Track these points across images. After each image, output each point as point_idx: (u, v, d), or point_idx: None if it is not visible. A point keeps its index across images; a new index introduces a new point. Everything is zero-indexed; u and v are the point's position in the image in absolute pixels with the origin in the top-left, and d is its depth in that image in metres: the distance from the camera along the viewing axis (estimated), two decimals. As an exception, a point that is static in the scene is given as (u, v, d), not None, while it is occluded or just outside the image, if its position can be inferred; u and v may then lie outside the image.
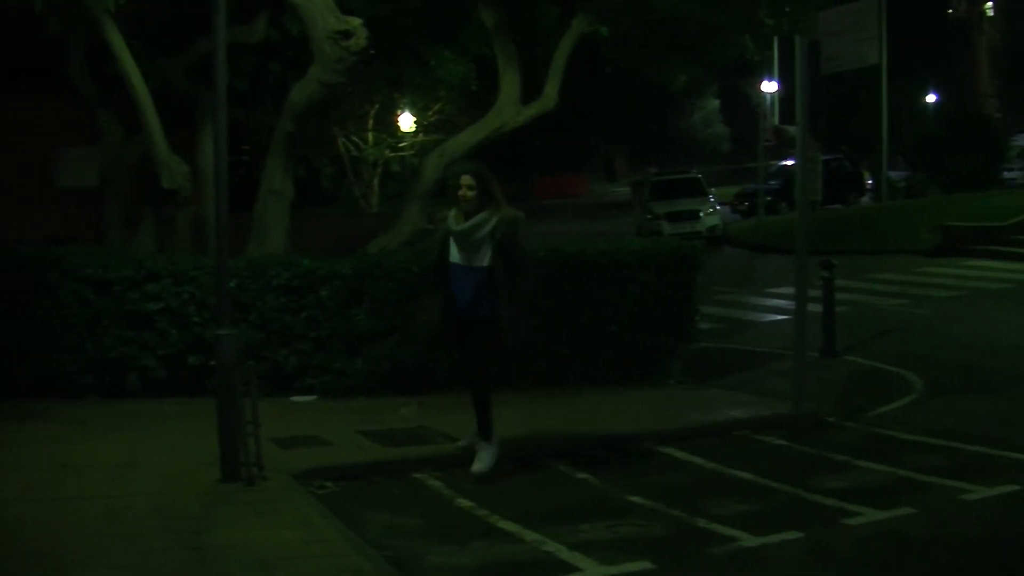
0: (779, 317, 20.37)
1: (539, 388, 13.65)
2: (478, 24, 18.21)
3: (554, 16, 18.60)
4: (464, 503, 9.32)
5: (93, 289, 13.18)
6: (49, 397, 12.87)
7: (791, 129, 32.93)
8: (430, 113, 38.03)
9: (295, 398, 13.18)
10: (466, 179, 9.97)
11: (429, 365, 13.24)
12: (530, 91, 17.43)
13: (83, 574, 7.12)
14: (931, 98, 64.53)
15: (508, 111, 16.96)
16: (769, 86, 49.09)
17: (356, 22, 13.93)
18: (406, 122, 39.04)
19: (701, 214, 37.35)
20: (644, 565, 7.71)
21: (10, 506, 8.67)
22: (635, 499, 9.39)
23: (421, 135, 38.70)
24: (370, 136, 37.88)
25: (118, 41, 15.40)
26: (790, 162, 40.86)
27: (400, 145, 39.09)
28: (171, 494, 9.11)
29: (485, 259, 9.75)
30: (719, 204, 40.41)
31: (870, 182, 49.12)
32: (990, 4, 56.81)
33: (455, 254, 9.86)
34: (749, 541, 8.25)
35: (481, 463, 9.89)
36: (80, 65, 18.10)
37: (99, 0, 14.08)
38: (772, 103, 49.89)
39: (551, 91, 17.26)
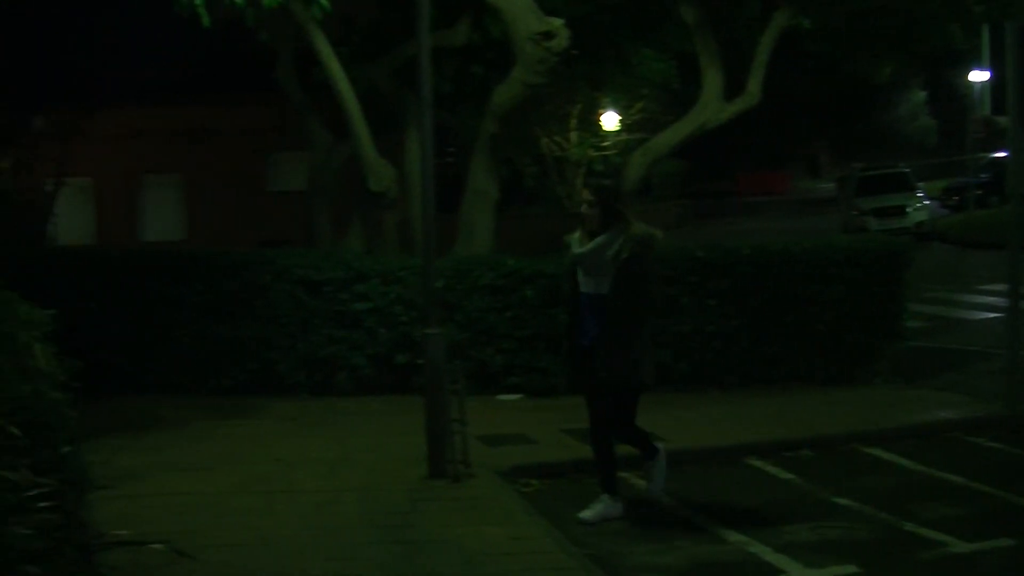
0: (991, 315, 19.67)
1: (745, 386, 13.52)
2: (679, 21, 18.11)
3: (755, 10, 18.38)
4: (668, 502, 9.28)
5: (305, 290, 13.57)
6: (263, 394, 13.36)
7: (1003, 120, 31.82)
8: (632, 111, 37.93)
9: (501, 396, 13.31)
10: (585, 194, 8.92)
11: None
12: (732, 87, 17.27)
13: (297, 564, 7.32)
14: None
15: (711, 108, 16.84)
16: (979, 75, 47.45)
17: (557, 22, 14.01)
18: (609, 121, 39.00)
19: (908, 209, 36.33)
20: (850, 569, 7.55)
21: (229, 498, 9.00)
22: (841, 501, 9.21)
23: (624, 134, 38.60)
24: (573, 135, 37.96)
25: (325, 48, 15.79)
26: (1002, 154, 39.44)
27: (603, 144, 39.06)
28: (379, 489, 9.30)
29: (607, 284, 8.54)
30: (927, 199, 39.25)
31: (1089, 173, 47.06)
32: None
33: (583, 281, 8.69)
34: (959, 547, 7.99)
35: (591, 511, 8.75)
36: (289, 73, 18.61)
37: (306, 9, 14.46)
38: (982, 93, 48.20)
39: (754, 87, 17.07)
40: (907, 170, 40.23)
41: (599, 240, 8.52)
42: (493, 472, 9.72)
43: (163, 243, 31.22)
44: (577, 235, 8.79)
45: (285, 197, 33.46)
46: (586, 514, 8.68)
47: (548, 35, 13.93)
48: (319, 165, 18.92)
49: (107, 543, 4.37)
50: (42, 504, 3.32)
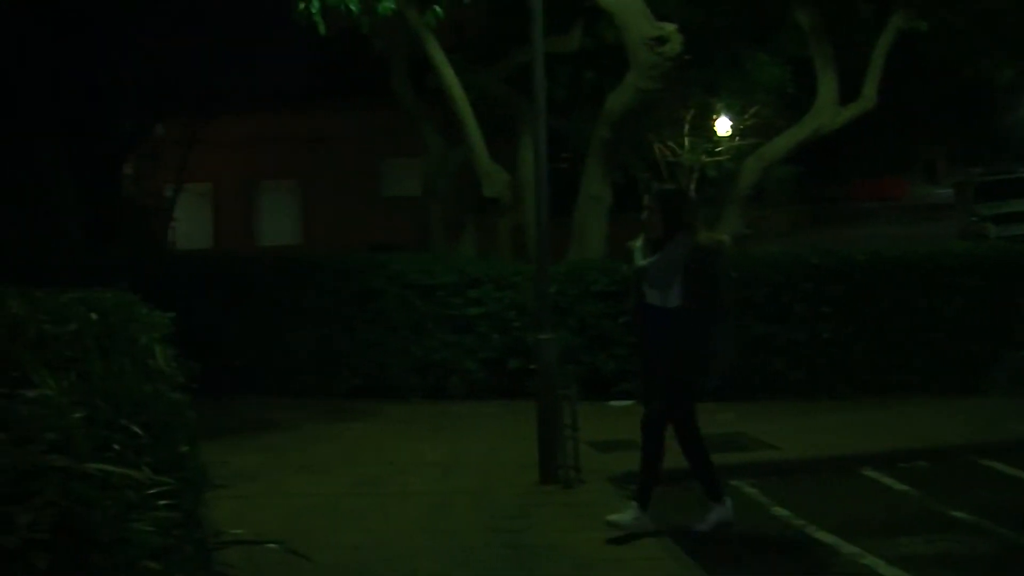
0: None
1: (859, 395, 13.31)
2: (794, 25, 17.95)
3: (871, 13, 18.15)
4: (780, 512, 9.17)
5: (418, 294, 13.68)
6: (377, 397, 13.49)
7: None
8: (746, 116, 37.59)
9: (612, 402, 13.26)
10: (647, 199, 8.42)
11: (747, 371, 13.12)
12: (847, 92, 17.06)
13: (408, 566, 7.38)
14: None
15: (826, 113, 16.67)
16: (1105, 79, 46.26)
17: (671, 27, 13.94)
18: (723, 126, 38.70)
19: (1030, 215, 35.45)
20: (968, 583, 7.40)
21: (344, 500, 9.12)
22: (958, 514, 9.00)
23: (737, 139, 38.28)
24: (686, 141, 37.76)
25: (439, 55, 15.90)
26: None
27: (717, 150, 38.79)
28: (490, 493, 9.33)
29: (679, 297, 8.03)
30: (1051, 205, 38.25)
31: None
32: None
33: (648, 292, 8.17)
34: (1083, 564, 7.78)
35: (704, 521, 8.35)
36: (403, 79, 18.77)
37: (421, 16, 14.59)
38: (1109, 97, 47.00)
39: (869, 91, 16.87)
40: (1029, 175, 39.24)
41: (663, 253, 8.07)
42: (604, 478, 9.69)
43: (279, 247, 31.69)
44: (639, 243, 8.33)
45: (398, 202, 33.74)
46: (700, 525, 8.34)
47: (661, 40, 13.87)
48: (433, 171, 19.07)
49: (223, 542, 4.46)
50: (162, 502, 3.40)
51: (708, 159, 38.66)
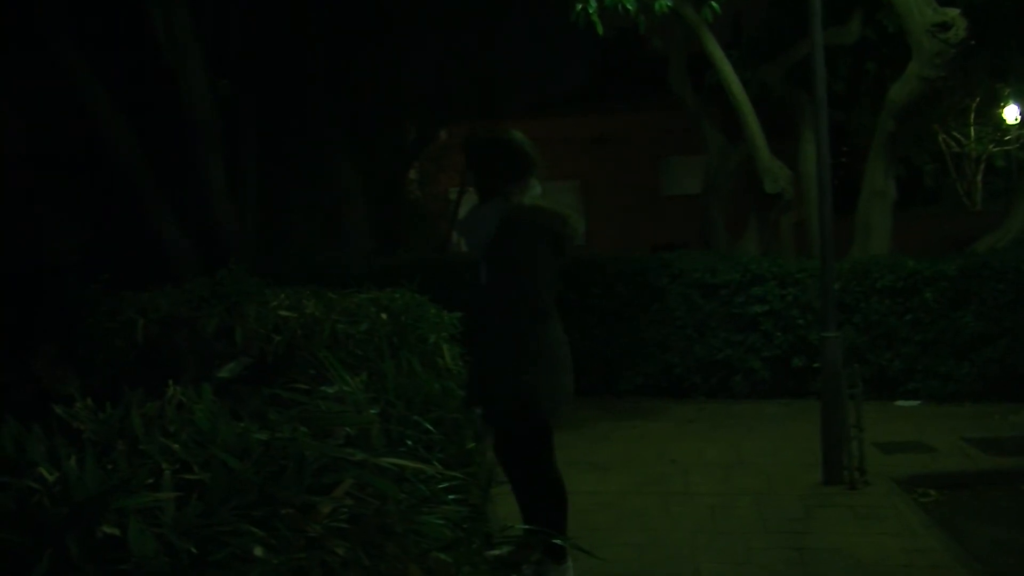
0: None
1: None
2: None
3: None
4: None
5: (700, 293, 13.67)
6: (660, 396, 13.54)
7: None
8: (1039, 104, 35.87)
9: (899, 402, 12.97)
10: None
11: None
12: None
13: (690, 566, 7.38)
14: None
15: None
16: None
17: (954, 12, 13.52)
18: (1011, 114, 37.07)
19: None
20: None
21: (627, 498, 9.19)
22: None
23: (1028, 126, 36.57)
24: (971, 130, 36.33)
25: (717, 51, 15.85)
26: None
27: (1005, 139, 37.19)
28: (772, 494, 9.24)
29: (485, 274, 6.26)
30: None
31: None
32: None
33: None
34: None
35: None
36: (681, 77, 18.76)
37: (697, 13, 14.56)
38: None
39: None
40: None
41: (471, 214, 6.38)
42: (889, 480, 9.47)
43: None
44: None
45: (679, 201, 33.72)
46: None
47: (944, 26, 13.46)
48: (713, 168, 18.98)
49: (510, 536, 4.57)
50: (451, 496, 3.52)
51: (995, 148, 37.13)
